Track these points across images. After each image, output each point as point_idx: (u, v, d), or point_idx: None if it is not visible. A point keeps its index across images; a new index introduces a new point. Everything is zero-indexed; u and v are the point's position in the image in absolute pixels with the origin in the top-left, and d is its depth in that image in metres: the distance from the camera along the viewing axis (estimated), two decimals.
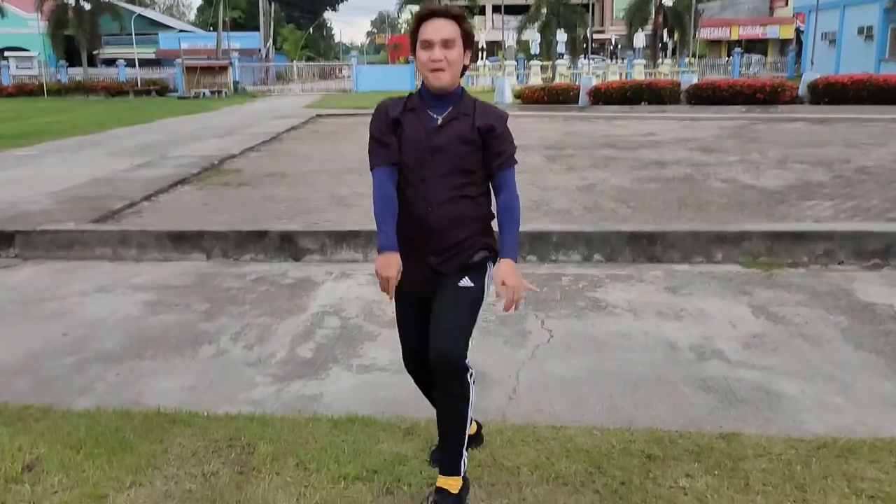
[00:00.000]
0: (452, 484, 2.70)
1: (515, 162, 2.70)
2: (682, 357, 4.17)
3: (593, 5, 44.70)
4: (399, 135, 2.62)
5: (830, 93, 19.55)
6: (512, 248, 2.66)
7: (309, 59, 64.16)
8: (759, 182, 8.68)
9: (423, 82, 2.64)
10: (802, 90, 20.32)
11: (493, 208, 2.76)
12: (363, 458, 3.07)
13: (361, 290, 5.50)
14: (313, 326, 4.78)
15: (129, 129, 17.54)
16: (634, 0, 43.30)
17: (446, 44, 2.53)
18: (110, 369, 4.15)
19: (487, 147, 2.63)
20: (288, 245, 6.42)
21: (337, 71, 48.85)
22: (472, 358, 2.68)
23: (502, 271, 2.61)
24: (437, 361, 2.58)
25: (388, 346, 4.40)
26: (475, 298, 2.69)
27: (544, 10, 43.26)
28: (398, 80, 39.32)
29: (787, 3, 47.77)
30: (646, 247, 6.09)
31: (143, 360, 4.27)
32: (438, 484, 2.72)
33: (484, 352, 4.14)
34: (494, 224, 2.75)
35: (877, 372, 3.93)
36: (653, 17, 42.20)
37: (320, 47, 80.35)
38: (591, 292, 5.33)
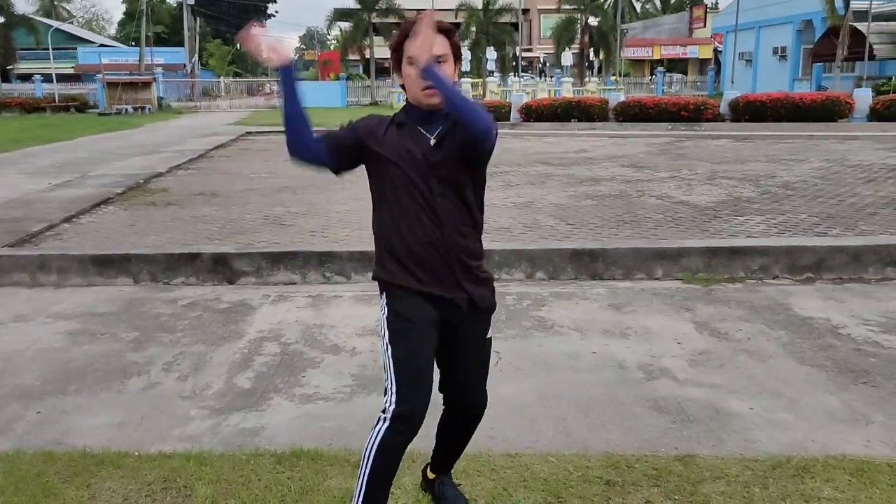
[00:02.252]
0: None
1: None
2: (631, 377, 4.13)
3: (521, 24, 45.48)
4: (380, 159, 2.39)
5: (750, 110, 20.22)
6: (443, 77, 2.27)
7: (236, 74, 63.13)
8: (692, 198, 8.84)
9: (408, 101, 2.42)
10: (724, 108, 20.96)
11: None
12: (311, 496, 2.89)
13: (301, 314, 5.30)
14: (251, 354, 4.57)
15: (46, 147, 16.79)
16: (561, 20, 44.27)
17: (439, 60, 2.31)
18: (30, 407, 3.84)
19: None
20: (221, 267, 6.16)
21: (266, 87, 48.17)
22: None
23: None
24: (473, 413, 2.66)
25: (331, 373, 4.22)
26: (490, 349, 2.69)
27: (474, 29, 43.69)
28: (329, 97, 38.96)
29: (705, 25, 49.61)
30: (588, 264, 6.08)
31: (67, 396, 3.98)
32: (441, 475, 2.87)
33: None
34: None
35: (820, 387, 3.97)
36: (579, 36, 43.18)
37: (248, 63, 79.11)
38: (536, 311, 5.27)
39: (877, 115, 19.59)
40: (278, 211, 8.42)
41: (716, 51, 47.53)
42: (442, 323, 2.46)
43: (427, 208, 2.37)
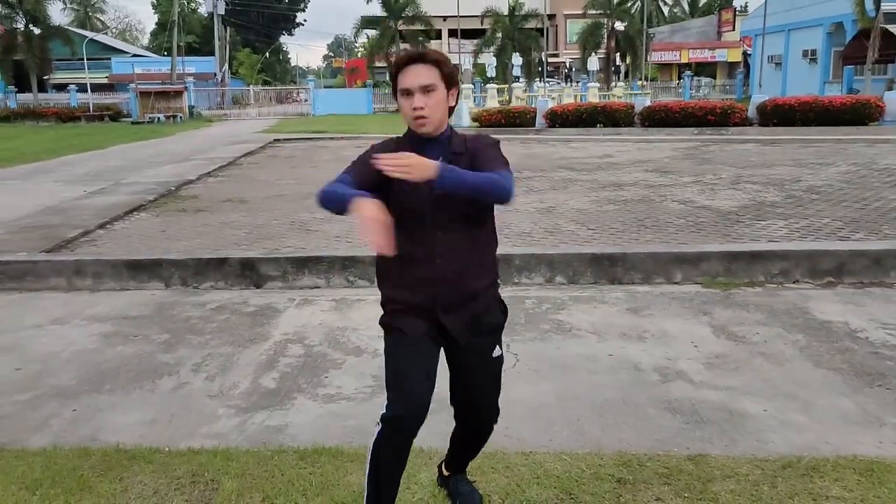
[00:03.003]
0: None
1: (507, 163, 2.48)
2: (646, 379, 4.20)
3: (547, 30, 45.49)
4: (391, 186, 2.38)
5: (778, 114, 20.08)
6: (451, 169, 2.29)
7: (265, 83, 63.90)
8: (714, 203, 8.85)
9: (409, 127, 2.50)
10: (751, 112, 20.84)
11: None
12: (331, 491, 3.01)
13: (325, 317, 5.44)
14: (276, 355, 4.71)
15: (81, 156, 17.21)
16: (588, 25, 44.21)
17: (426, 90, 2.40)
18: (66, 405, 4.02)
19: (479, 162, 2.45)
20: (249, 272, 6.33)
21: (294, 95, 48.72)
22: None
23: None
24: (485, 428, 2.77)
25: (353, 374, 4.35)
26: (501, 366, 2.71)
27: (500, 35, 43.82)
28: (356, 103, 39.36)
29: (734, 28, 49.16)
30: (607, 268, 6.15)
31: (101, 395, 4.15)
32: (455, 473, 2.99)
33: (444, 371, 4.11)
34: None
35: (835, 390, 4.00)
36: (605, 41, 43.08)
37: (277, 71, 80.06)
38: (555, 314, 5.35)
39: None
40: (304, 217, 8.59)
41: (745, 54, 47.11)
42: (443, 337, 2.55)
43: (427, 240, 2.45)
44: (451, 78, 2.46)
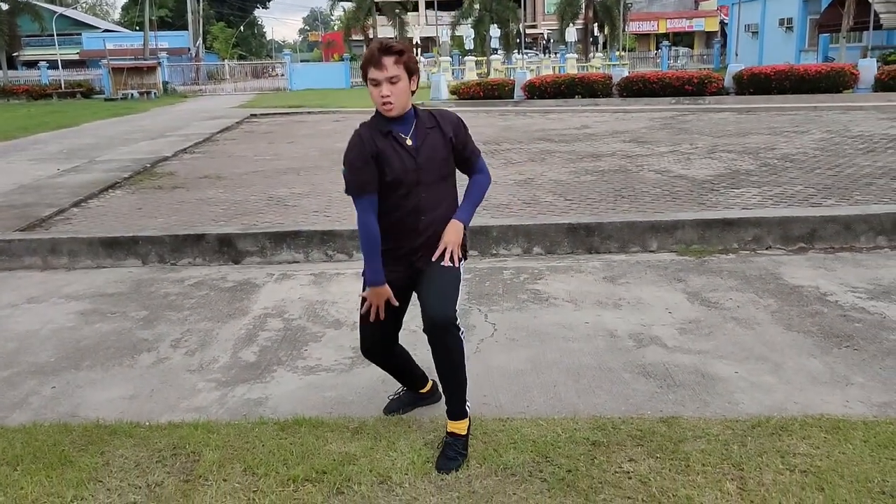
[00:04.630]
0: (461, 426, 3.10)
1: (479, 151, 3.20)
2: (621, 345, 4.28)
3: (525, 0, 45.16)
4: (382, 162, 2.94)
5: (755, 83, 20.18)
6: (465, 213, 3.08)
7: (241, 57, 63.08)
8: (690, 172, 8.93)
9: (377, 110, 2.99)
10: (728, 81, 20.92)
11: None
12: (312, 460, 3.06)
13: (304, 291, 5.46)
14: (256, 329, 4.73)
15: (54, 134, 16.98)
16: None
17: (391, 80, 2.86)
18: (45, 382, 4.03)
19: (459, 153, 3.07)
20: (227, 248, 6.32)
21: (270, 69, 48.17)
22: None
23: (447, 229, 3.03)
24: (432, 321, 2.94)
25: (332, 347, 4.39)
26: (457, 276, 3.04)
27: (477, 6, 43.44)
28: (333, 78, 39.03)
29: None
30: (584, 238, 6.20)
31: (80, 372, 4.16)
32: (449, 429, 3.10)
33: (424, 342, 4.16)
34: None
35: (805, 351, 4.10)
36: (583, 11, 42.87)
37: (252, 45, 79.04)
38: (532, 284, 5.41)
39: (882, 85, 19.54)
40: (282, 192, 8.56)
41: (722, 23, 47.14)
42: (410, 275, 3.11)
43: (416, 199, 2.98)
44: (412, 68, 2.93)
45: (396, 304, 3.07)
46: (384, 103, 2.89)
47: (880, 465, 2.88)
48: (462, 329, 3.03)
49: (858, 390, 3.60)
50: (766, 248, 6.11)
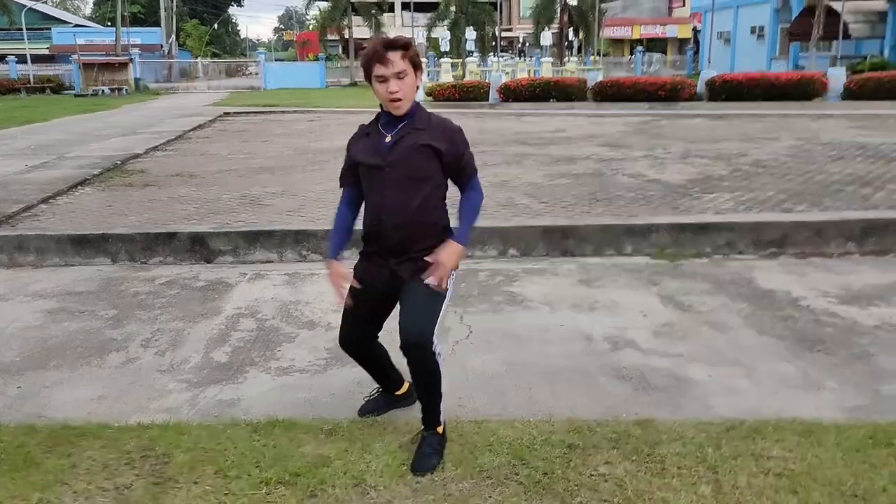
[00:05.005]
0: (435, 431, 3.09)
1: (475, 169, 3.04)
2: (597, 348, 4.28)
3: (501, 4, 45.30)
4: (353, 153, 2.98)
5: (727, 90, 20.40)
6: (462, 234, 2.94)
7: (214, 55, 62.51)
8: (664, 176, 8.99)
9: (381, 106, 2.91)
10: (701, 87, 21.12)
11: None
12: (285, 462, 3.01)
13: (277, 291, 5.40)
14: (228, 329, 4.67)
15: (22, 129, 16.66)
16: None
17: (399, 76, 2.78)
18: (10, 382, 3.93)
19: (451, 164, 2.93)
20: (199, 247, 6.24)
21: (244, 68, 47.78)
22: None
23: (441, 248, 2.90)
24: (405, 340, 2.85)
25: (306, 347, 4.34)
26: (440, 294, 2.94)
27: (453, 8, 43.51)
28: (308, 77, 38.78)
29: (684, 4, 49.70)
30: (559, 241, 6.21)
31: (47, 371, 4.06)
32: (423, 434, 3.10)
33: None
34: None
35: (777, 355, 4.13)
36: (558, 16, 43.08)
37: (226, 44, 78.41)
38: (508, 286, 5.40)
39: (851, 94, 19.85)
40: (256, 191, 8.47)
41: (695, 30, 47.67)
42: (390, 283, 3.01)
43: (380, 198, 2.92)
44: (416, 62, 2.84)
45: (357, 286, 3.01)
46: (393, 100, 2.80)
47: (853, 468, 2.91)
48: (439, 351, 2.93)
49: (830, 394, 3.64)
50: (739, 253, 6.16)
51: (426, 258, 2.90)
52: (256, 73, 41.88)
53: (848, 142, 11.84)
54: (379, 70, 2.77)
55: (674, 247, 6.19)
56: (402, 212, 2.88)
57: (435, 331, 2.88)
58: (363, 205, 3.05)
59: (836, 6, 28.74)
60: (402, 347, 2.88)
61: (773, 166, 9.56)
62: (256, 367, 4.09)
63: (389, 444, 3.15)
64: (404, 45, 2.80)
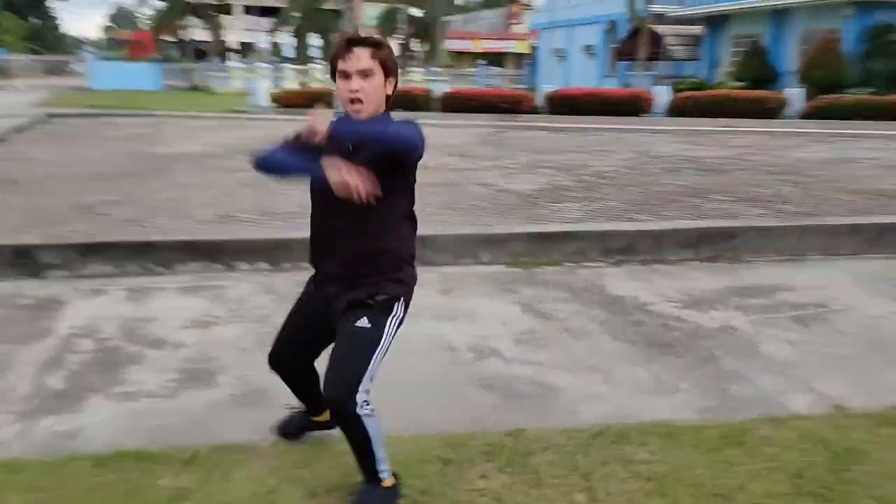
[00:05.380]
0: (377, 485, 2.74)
1: (417, 129, 2.57)
2: (461, 358, 4.27)
3: (346, 11, 45.09)
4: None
5: (565, 104, 21.40)
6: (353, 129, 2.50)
7: (34, 52, 57.80)
8: (515, 186, 9.22)
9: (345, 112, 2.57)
10: (540, 101, 22.03)
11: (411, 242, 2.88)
12: (139, 497, 2.75)
13: (119, 308, 4.98)
14: (63, 352, 4.24)
15: None
16: (385, 9, 44.37)
17: (364, 74, 2.48)
18: None
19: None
20: (24, 260, 5.65)
21: (68, 66, 44.52)
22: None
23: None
24: (326, 398, 2.59)
25: (155, 369, 4.02)
26: (372, 340, 2.59)
27: (297, 14, 42.81)
28: (143, 78, 36.68)
29: (520, 22, 51.79)
30: (418, 250, 6.16)
31: None
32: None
33: (260, 363, 3.92)
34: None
35: (631, 359, 4.30)
36: (404, 26, 43.56)
37: (47, 40, 72.72)
38: None
39: (675, 110, 21.42)
40: (90, 199, 7.83)
41: (533, 47, 49.75)
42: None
43: (330, 210, 2.60)
44: (389, 66, 2.54)
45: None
46: (352, 100, 2.47)
47: (711, 468, 3.05)
48: (368, 406, 2.58)
49: (684, 396, 3.82)
50: (589, 261, 6.40)
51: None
52: (82, 73, 39.10)
53: (678, 155, 12.72)
54: (342, 65, 2.49)
55: (528, 255, 6.33)
56: (350, 232, 2.62)
57: (362, 385, 2.56)
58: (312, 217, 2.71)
59: (660, 29, 30.97)
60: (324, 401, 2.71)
61: (613, 177, 10.06)
62: (98, 393, 3.73)
63: (254, 471, 2.96)
64: (375, 44, 2.51)
